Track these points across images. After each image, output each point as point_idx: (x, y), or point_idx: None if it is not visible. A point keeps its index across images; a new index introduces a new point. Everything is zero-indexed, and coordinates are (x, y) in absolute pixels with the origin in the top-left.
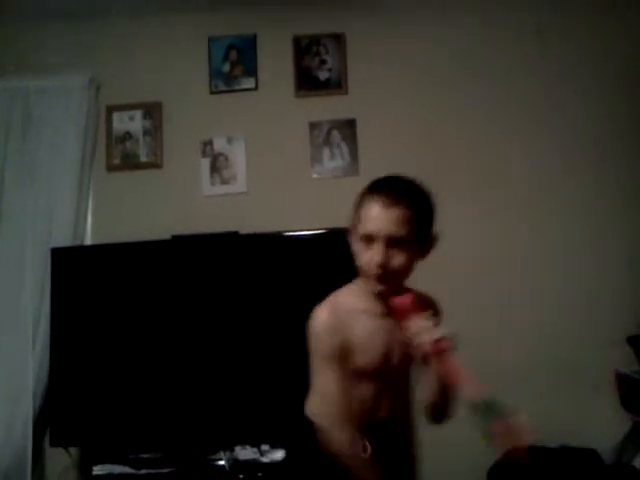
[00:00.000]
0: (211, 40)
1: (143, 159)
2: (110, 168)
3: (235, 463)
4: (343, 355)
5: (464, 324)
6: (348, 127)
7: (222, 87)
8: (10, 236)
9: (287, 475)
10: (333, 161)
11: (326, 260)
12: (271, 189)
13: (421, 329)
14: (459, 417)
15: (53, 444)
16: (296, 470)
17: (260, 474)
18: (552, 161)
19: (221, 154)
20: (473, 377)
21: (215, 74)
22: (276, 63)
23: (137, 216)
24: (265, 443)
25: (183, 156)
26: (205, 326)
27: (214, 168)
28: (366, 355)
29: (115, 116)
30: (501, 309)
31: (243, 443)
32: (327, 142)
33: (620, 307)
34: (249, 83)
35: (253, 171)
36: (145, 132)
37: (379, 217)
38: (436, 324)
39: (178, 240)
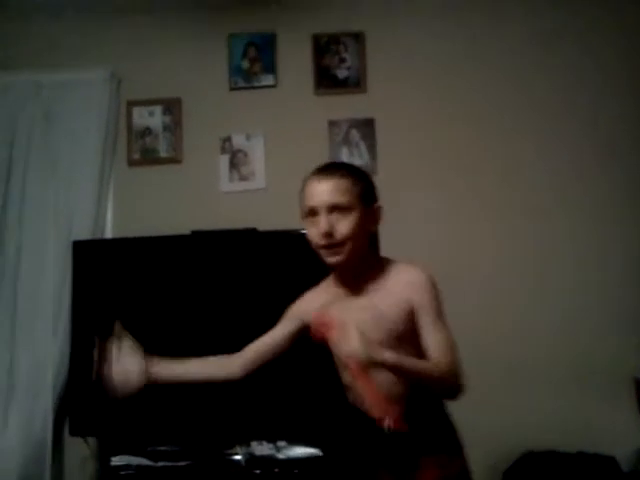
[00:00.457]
0: (231, 37)
1: (163, 154)
2: (130, 163)
3: (251, 458)
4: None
5: (482, 326)
6: (367, 126)
7: (241, 84)
8: (32, 228)
9: (304, 471)
10: (351, 160)
11: None
12: (289, 186)
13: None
14: (475, 420)
15: (72, 433)
16: (314, 467)
17: (276, 470)
18: (565, 162)
19: (240, 150)
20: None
21: (235, 71)
22: (295, 61)
23: (156, 211)
24: (281, 439)
25: (202, 152)
26: (222, 321)
27: (233, 164)
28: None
29: (135, 111)
30: (517, 311)
31: (259, 439)
32: (346, 141)
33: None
34: (268, 80)
35: (271, 168)
36: (165, 128)
37: (317, 190)
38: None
39: (198, 235)
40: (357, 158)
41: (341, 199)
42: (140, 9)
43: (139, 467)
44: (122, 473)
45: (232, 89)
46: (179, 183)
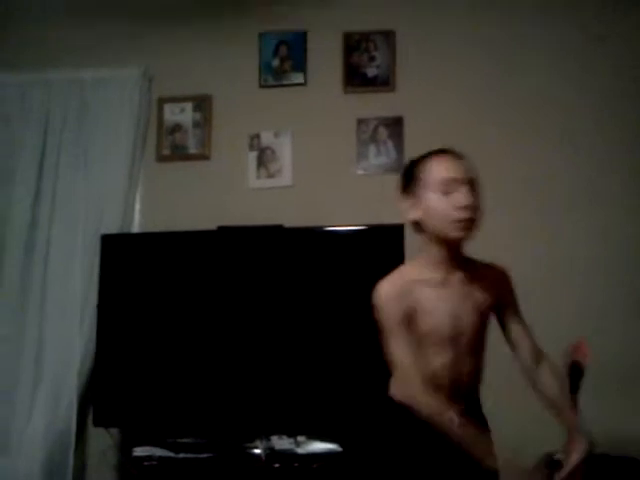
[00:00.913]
0: (262, 35)
1: (192, 150)
2: (160, 158)
3: (271, 452)
4: (410, 321)
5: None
6: (395, 124)
7: (271, 82)
8: (63, 221)
9: (323, 466)
10: (379, 158)
11: (367, 256)
12: (316, 184)
13: None
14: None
15: (96, 424)
16: (333, 462)
17: (296, 464)
18: (593, 163)
19: (268, 148)
20: None
21: (265, 68)
22: (325, 59)
23: (184, 206)
24: (301, 434)
25: (231, 149)
26: (247, 315)
27: (260, 161)
28: (431, 322)
29: (166, 108)
30: (547, 313)
31: (280, 433)
32: (374, 139)
33: None
34: (298, 78)
35: (299, 165)
36: (194, 124)
37: (455, 165)
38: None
39: (224, 231)
40: (384, 156)
41: (475, 177)
42: (172, 9)
43: (161, 458)
44: (145, 464)
45: (262, 87)
46: (207, 179)
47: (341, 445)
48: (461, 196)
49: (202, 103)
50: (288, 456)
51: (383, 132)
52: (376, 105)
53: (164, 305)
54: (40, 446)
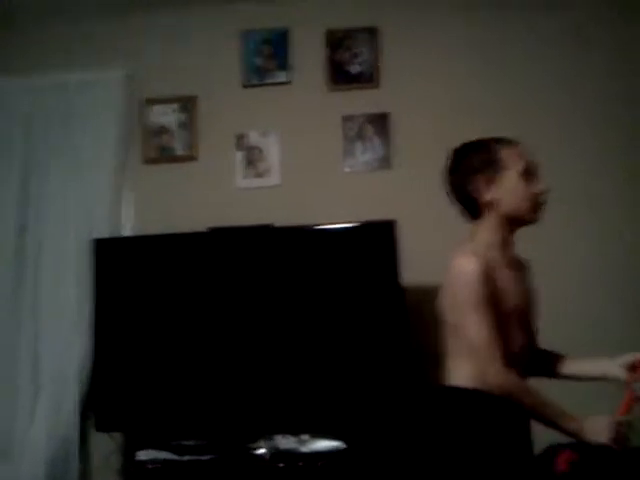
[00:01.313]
0: (244, 34)
1: (179, 152)
2: (146, 161)
3: (275, 452)
4: (493, 302)
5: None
6: (381, 121)
7: (255, 81)
8: (52, 227)
9: (328, 464)
10: (365, 155)
11: (358, 253)
12: (304, 182)
13: None
14: None
15: (99, 429)
16: (337, 460)
17: (300, 463)
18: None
19: (255, 147)
20: None
21: (248, 68)
22: (309, 57)
23: (173, 208)
24: (305, 433)
25: (218, 149)
26: (245, 315)
27: (248, 161)
28: (512, 302)
29: (151, 110)
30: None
31: (283, 432)
32: (360, 136)
33: None
34: (282, 77)
35: (287, 164)
36: (180, 125)
37: (527, 153)
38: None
39: (215, 232)
40: (371, 153)
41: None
42: (155, 7)
43: (164, 461)
44: (148, 467)
45: (246, 86)
46: (195, 180)
47: (345, 442)
48: (542, 181)
49: (187, 104)
50: (292, 455)
51: (370, 129)
52: (361, 102)
53: (161, 307)
54: (43, 452)
